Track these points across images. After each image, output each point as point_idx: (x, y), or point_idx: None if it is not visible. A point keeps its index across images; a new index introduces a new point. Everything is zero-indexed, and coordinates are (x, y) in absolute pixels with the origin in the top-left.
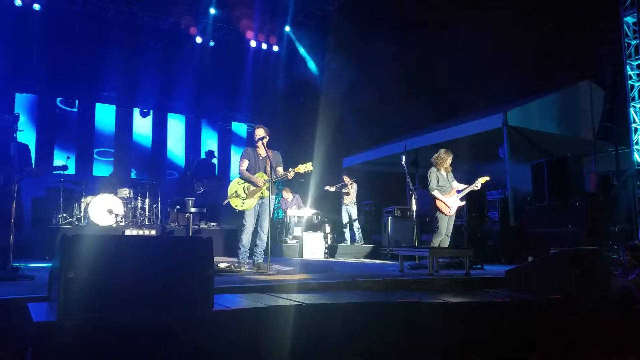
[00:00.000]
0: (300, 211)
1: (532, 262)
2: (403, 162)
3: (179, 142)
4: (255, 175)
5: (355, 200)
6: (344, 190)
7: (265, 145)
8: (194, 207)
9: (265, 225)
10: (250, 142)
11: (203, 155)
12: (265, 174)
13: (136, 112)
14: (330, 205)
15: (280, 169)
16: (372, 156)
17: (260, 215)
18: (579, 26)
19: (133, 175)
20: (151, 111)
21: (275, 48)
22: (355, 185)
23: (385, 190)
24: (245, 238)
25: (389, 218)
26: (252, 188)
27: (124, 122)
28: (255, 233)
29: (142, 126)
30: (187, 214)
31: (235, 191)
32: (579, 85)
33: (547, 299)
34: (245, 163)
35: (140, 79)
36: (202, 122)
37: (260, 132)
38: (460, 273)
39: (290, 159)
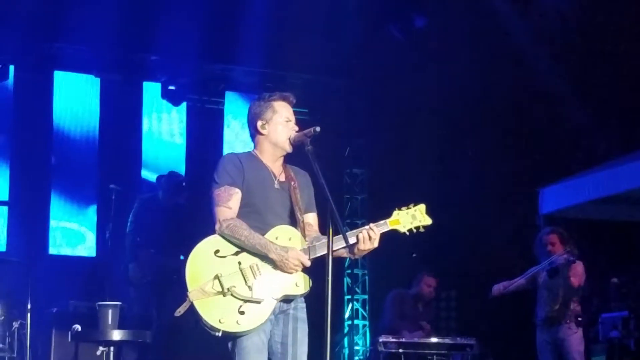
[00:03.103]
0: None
1: None
2: None
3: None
4: (271, 233)
5: (576, 313)
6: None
7: (307, 142)
8: (118, 327)
9: None
10: (252, 137)
11: (149, 177)
12: (295, 226)
13: None
14: (506, 325)
15: (310, 218)
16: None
17: (284, 351)
18: None
19: None
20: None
21: None
22: (579, 268)
23: None
24: None
25: None
26: (266, 268)
27: None
28: None
29: None
30: (102, 348)
31: (216, 276)
32: None
33: None
34: (233, 197)
35: None
36: (144, 95)
37: (282, 109)
38: None
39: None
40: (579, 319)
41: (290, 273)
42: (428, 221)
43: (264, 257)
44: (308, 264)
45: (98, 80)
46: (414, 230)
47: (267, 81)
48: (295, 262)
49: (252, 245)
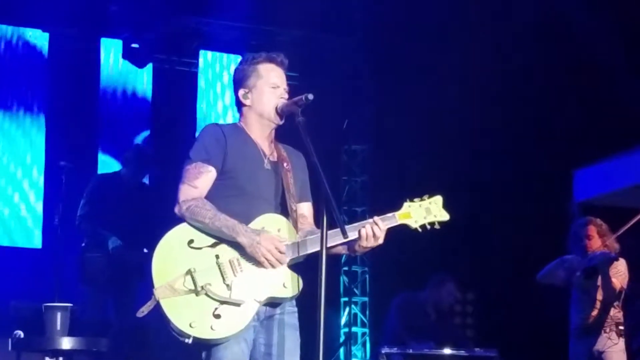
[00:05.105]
0: None
1: None
2: None
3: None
4: (256, 222)
5: (616, 321)
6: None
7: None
8: (68, 334)
9: None
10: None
11: (106, 168)
12: (287, 216)
13: None
14: (535, 335)
15: (304, 209)
16: None
17: None
18: None
19: None
20: None
21: None
22: (621, 266)
23: None
24: None
25: None
26: (248, 264)
27: None
28: None
29: None
30: (49, 359)
31: (189, 271)
32: None
33: None
34: (203, 176)
35: None
36: (102, 54)
37: (269, 73)
38: None
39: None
40: (621, 327)
41: (263, 263)
42: (445, 216)
43: (228, 241)
44: (283, 249)
45: (46, 35)
46: (428, 227)
47: (251, 38)
48: (269, 246)
49: (218, 229)
